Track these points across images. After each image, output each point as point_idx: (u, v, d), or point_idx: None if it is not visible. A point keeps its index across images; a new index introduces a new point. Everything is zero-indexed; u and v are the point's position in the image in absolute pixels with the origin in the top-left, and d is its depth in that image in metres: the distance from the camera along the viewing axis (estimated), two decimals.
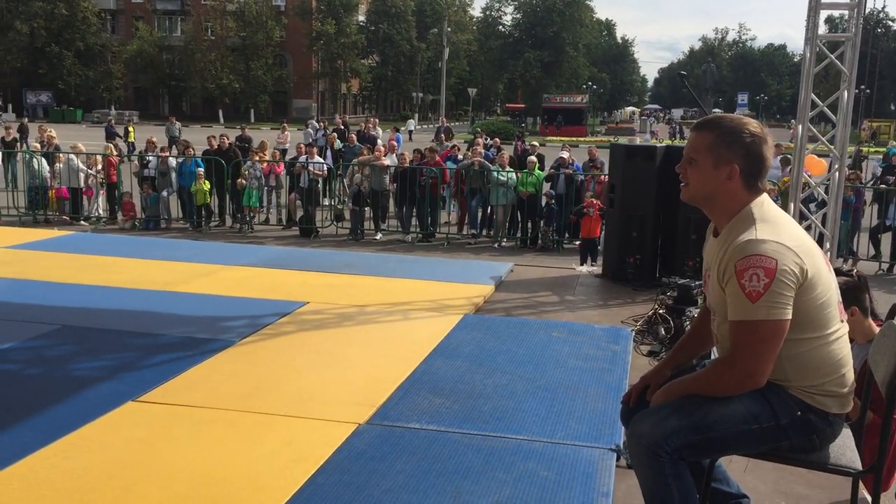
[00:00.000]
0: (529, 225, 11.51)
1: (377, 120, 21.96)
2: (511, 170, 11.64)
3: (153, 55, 59.16)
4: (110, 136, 23.57)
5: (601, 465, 3.29)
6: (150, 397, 3.92)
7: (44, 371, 4.27)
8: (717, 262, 2.16)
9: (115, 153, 15.71)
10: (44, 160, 15.16)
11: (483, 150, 13.25)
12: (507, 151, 13.55)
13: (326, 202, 14.07)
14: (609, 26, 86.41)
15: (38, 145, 15.95)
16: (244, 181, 13.88)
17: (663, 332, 5.44)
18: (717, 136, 2.18)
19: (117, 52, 60.62)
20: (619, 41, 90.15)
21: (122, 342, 4.78)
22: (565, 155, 12.53)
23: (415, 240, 11.50)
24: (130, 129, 24.97)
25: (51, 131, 17.13)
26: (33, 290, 5.89)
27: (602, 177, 11.18)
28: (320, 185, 13.84)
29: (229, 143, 15.59)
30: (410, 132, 20.50)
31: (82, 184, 15.03)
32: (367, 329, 5.40)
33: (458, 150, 15.40)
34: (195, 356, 4.55)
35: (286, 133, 21.03)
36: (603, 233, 9.09)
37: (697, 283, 5.76)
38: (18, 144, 20.07)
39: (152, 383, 4.09)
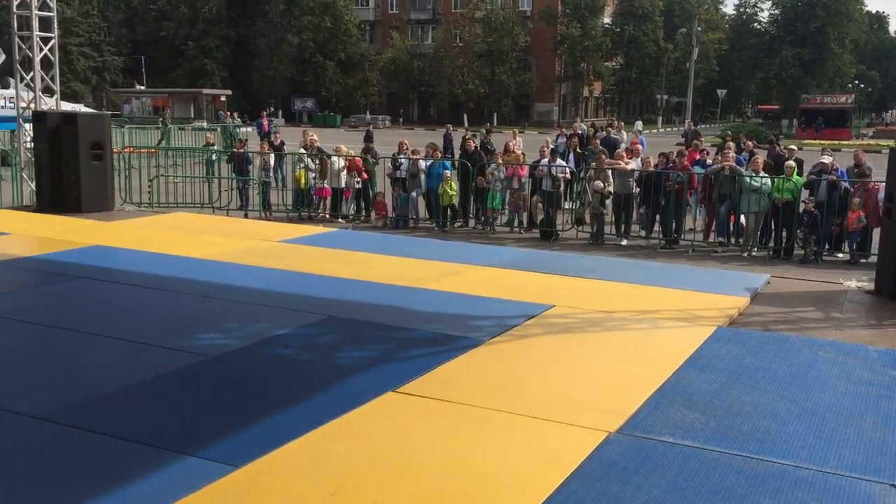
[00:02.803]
0: (784, 234, 10.74)
1: (622, 123, 21.60)
2: (766, 175, 10.94)
3: (405, 62, 62.50)
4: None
5: (882, 503, 2.99)
6: (409, 389, 4.11)
7: (314, 357, 4.63)
8: None
9: (354, 155, 16.65)
10: (310, 162, 16.45)
11: (734, 155, 12.58)
12: (761, 156, 12.75)
13: (567, 205, 14.02)
14: (881, 19, 78.78)
15: (304, 150, 17.34)
16: (484, 180, 14.15)
17: None
18: None
19: (374, 61, 64.72)
20: (893, 35, 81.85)
21: (381, 335, 5.06)
22: (827, 160, 11.56)
23: (657, 246, 11.16)
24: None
25: (313, 135, 18.59)
26: (303, 282, 6.41)
27: (872, 184, 10.20)
28: (562, 189, 13.82)
29: (475, 146, 15.98)
30: (639, 133, 19.94)
31: (342, 184, 16.16)
32: (613, 335, 5.30)
33: (707, 154, 14.75)
34: (447, 352, 4.71)
35: (517, 138, 21.24)
36: None
37: None
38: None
39: (410, 376, 4.29)
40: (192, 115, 48.28)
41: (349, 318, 5.39)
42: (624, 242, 11.41)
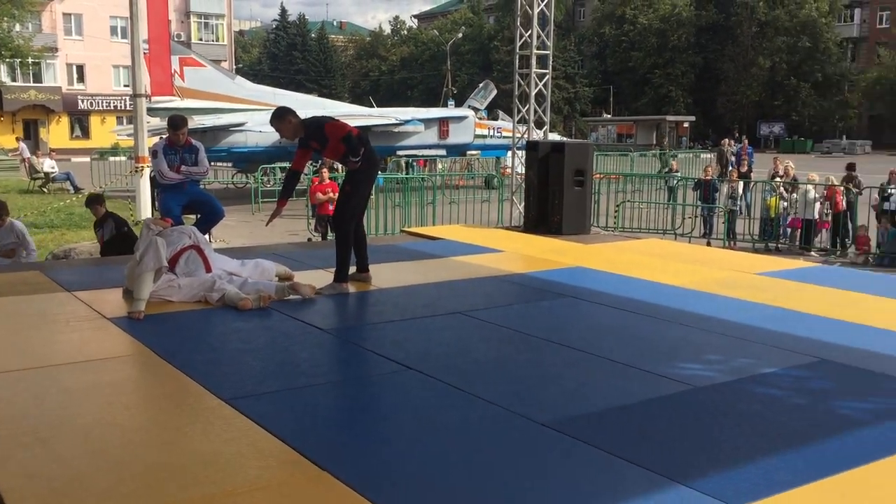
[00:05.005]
0: None
1: None
2: None
3: (894, 82, 56.06)
4: None
5: None
6: None
7: (807, 402, 4.32)
8: None
9: (835, 183, 15.39)
10: (783, 191, 15.66)
11: None
12: None
13: None
14: None
15: (778, 178, 16.56)
16: None
17: None
18: None
19: (855, 81, 59.32)
20: None
21: (886, 387, 4.53)
22: None
23: None
24: None
25: (789, 162, 17.65)
26: (788, 319, 6.05)
27: None
28: None
29: None
30: None
31: (815, 216, 15.08)
32: None
33: None
34: None
35: None
36: None
37: None
38: None
39: None
40: (654, 142, 49.28)
41: (846, 364, 4.93)
42: None
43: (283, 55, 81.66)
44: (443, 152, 27.89)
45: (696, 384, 4.54)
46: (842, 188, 14.98)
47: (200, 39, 55.67)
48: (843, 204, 14.70)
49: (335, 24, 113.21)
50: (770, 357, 5.07)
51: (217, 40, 57.49)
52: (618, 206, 17.02)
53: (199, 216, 8.61)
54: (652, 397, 4.38)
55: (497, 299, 6.89)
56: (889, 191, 14.36)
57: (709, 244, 15.17)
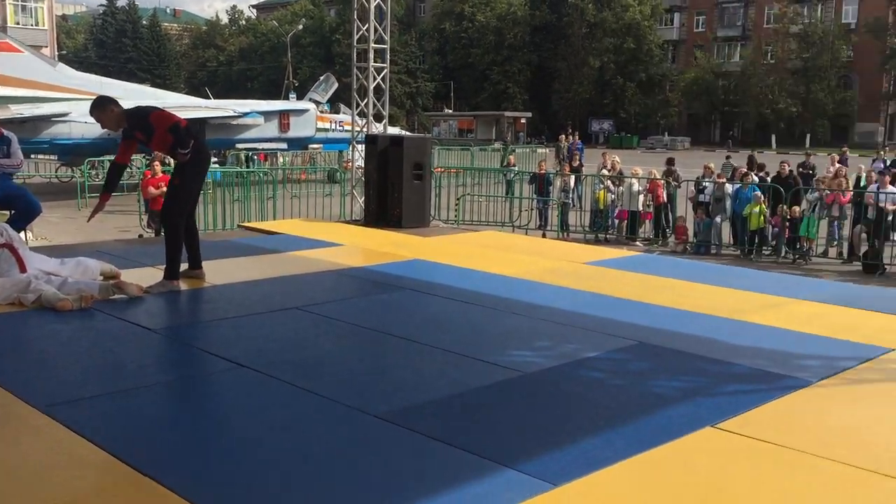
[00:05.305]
0: None
1: None
2: None
3: (709, 82, 60.35)
4: None
5: None
6: (728, 426, 3.91)
7: (626, 383, 4.59)
8: None
9: (657, 177, 16.38)
10: (611, 184, 16.47)
11: None
12: None
13: None
14: None
15: (606, 171, 17.42)
16: (798, 210, 13.32)
17: None
18: None
19: (675, 81, 63.27)
20: None
21: (696, 366, 4.88)
22: None
23: None
24: None
25: (616, 157, 18.61)
26: (611, 305, 6.39)
27: None
28: (890, 219, 12.53)
29: (789, 171, 15.10)
30: None
31: (640, 207, 15.98)
32: None
33: None
34: (770, 391, 4.42)
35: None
36: None
37: None
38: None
39: (729, 412, 4.08)
40: (494, 137, 50.55)
41: (661, 345, 5.27)
42: None
43: (111, 42, 77.31)
44: (284, 146, 27.38)
45: (525, 370, 4.72)
46: (662, 181, 15.93)
47: (17, 23, 51.63)
48: (663, 196, 15.64)
49: (168, 11, 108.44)
50: (593, 342, 5.34)
51: (37, 24, 53.53)
52: (458, 199, 17.33)
53: (13, 212, 8.01)
54: (484, 384, 4.50)
55: (335, 293, 6.86)
56: (704, 184, 15.41)
57: (544, 236, 15.76)
